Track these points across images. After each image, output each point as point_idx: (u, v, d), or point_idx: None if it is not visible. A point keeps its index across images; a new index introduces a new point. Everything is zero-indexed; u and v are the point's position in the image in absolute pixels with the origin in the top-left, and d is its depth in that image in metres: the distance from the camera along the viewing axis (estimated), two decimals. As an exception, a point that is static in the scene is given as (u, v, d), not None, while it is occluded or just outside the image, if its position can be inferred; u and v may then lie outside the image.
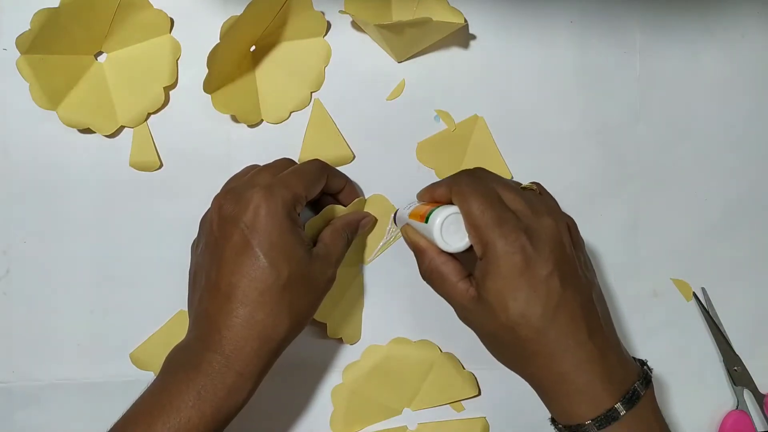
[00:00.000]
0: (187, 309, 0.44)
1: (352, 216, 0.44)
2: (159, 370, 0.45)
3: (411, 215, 0.41)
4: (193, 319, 0.39)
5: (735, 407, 0.49)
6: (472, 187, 0.36)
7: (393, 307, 0.48)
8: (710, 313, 0.50)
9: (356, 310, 0.47)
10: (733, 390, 0.50)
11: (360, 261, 0.47)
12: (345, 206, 0.44)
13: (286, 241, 0.36)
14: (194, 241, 0.42)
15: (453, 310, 0.39)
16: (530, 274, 0.34)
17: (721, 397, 0.50)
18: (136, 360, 0.45)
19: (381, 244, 0.47)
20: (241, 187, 0.38)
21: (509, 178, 0.48)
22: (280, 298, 0.36)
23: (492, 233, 0.34)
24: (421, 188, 0.42)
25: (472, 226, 0.35)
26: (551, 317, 0.34)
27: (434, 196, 0.39)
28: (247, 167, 0.43)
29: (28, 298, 0.45)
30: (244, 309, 0.35)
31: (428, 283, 0.39)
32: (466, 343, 0.47)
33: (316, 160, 0.42)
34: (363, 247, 0.47)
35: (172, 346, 0.45)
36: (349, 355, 0.47)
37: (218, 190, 0.46)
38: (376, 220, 0.46)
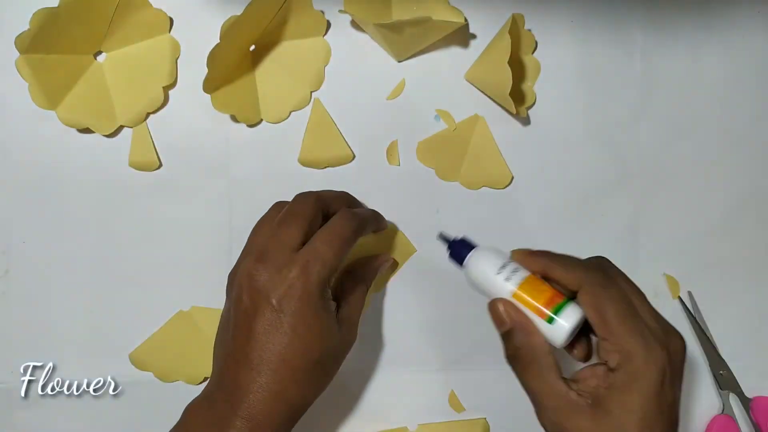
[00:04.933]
0: (192, 310, 0.45)
1: (370, 266, 0.45)
2: (160, 371, 0.45)
3: (519, 298, 0.35)
4: (218, 374, 0.37)
5: (721, 411, 0.49)
6: (608, 290, 0.34)
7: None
8: (696, 317, 0.49)
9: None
10: (719, 394, 0.49)
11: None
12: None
13: (319, 321, 0.37)
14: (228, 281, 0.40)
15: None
16: (663, 396, 0.33)
17: (706, 401, 0.49)
18: (136, 360, 0.45)
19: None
20: (275, 257, 0.37)
21: (510, 178, 0.48)
22: (312, 374, 0.37)
23: (636, 344, 0.33)
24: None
25: (608, 333, 0.34)
26: None
27: (548, 272, 0.36)
28: (275, 206, 0.41)
29: (28, 298, 0.45)
30: (277, 385, 0.36)
31: (515, 367, 0.36)
32: (466, 346, 0.48)
33: (352, 216, 0.40)
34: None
35: (172, 349, 0.45)
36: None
37: (218, 191, 0.46)
38: (395, 264, 0.47)
